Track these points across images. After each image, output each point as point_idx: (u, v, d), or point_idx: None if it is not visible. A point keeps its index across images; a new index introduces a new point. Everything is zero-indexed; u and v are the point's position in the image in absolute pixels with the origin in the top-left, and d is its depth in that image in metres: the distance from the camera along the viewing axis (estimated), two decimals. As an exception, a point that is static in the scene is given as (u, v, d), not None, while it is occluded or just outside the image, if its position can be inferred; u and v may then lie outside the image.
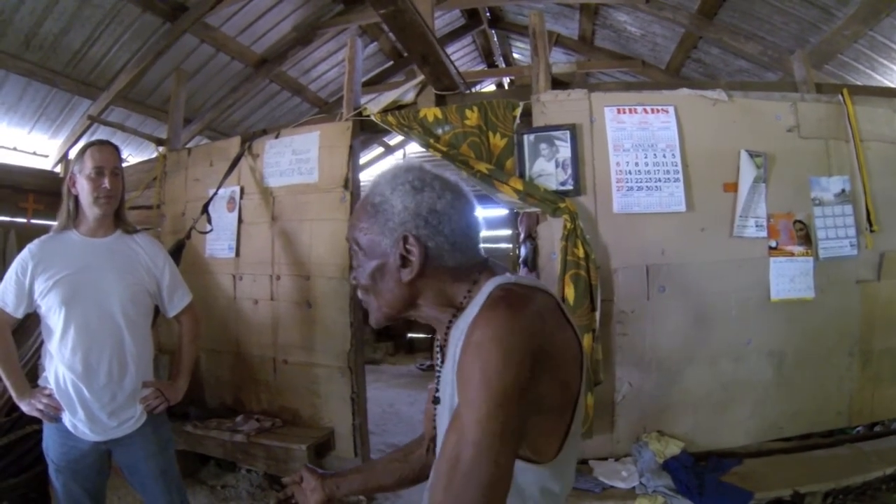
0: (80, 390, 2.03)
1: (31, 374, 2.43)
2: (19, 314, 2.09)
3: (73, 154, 5.09)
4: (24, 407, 2.08)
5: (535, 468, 0.93)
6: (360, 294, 1.09)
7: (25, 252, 2.08)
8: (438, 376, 1.11)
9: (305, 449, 3.32)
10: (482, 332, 0.87)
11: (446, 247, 1.00)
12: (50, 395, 2.06)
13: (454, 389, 0.95)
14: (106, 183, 2.09)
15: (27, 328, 2.91)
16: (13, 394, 2.10)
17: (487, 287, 0.98)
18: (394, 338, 8.81)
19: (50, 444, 2.10)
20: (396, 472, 1.32)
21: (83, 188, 2.09)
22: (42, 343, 2.21)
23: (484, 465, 0.81)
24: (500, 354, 0.84)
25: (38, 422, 2.19)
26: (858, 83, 4.36)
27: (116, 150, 2.19)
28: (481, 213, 1.07)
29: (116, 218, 2.21)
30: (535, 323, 0.91)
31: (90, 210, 2.11)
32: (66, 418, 2.05)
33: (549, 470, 0.94)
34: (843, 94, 3.29)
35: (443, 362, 1.09)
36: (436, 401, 1.10)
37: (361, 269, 1.05)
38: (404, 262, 0.99)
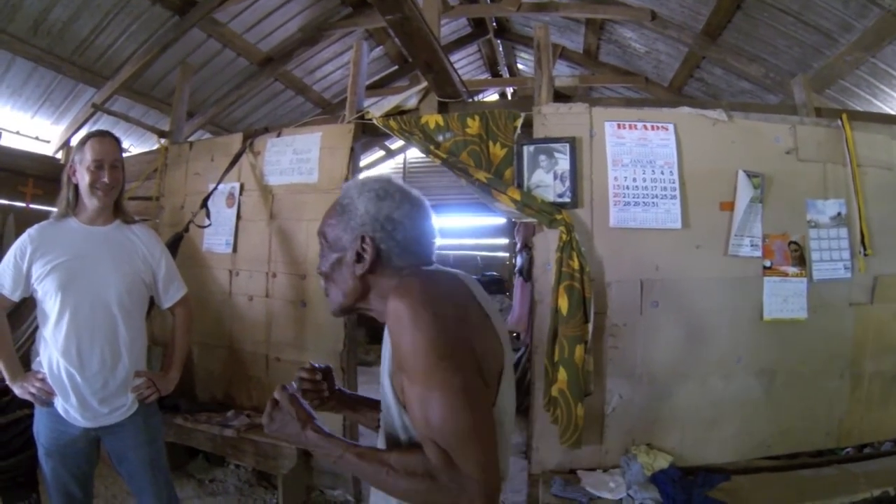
0: (72, 376, 2.05)
1: (24, 359, 2.43)
2: (16, 297, 2.11)
3: (74, 141, 5.12)
4: (17, 390, 2.09)
5: None
6: (321, 283, 1.25)
7: (25, 237, 2.10)
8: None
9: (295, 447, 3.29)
10: (392, 307, 1.01)
11: (396, 250, 1.15)
12: (43, 380, 2.07)
13: (390, 367, 1.11)
14: (105, 177, 2.11)
15: (21, 314, 2.91)
16: (6, 376, 2.12)
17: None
18: (386, 341, 8.77)
19: (41, 429, 2.12)
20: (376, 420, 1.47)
21: (83, 178, 2.11)
22: (36, 328, 2.22)
23: (453, 416, 0.96)
24: (413, 318, 0.98)
25: (29, 406, 2.21)
26: (859, 108, 4.39)
27: (117, 141, 2.21)
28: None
29: (116, 208, 2.24)
30: (438, 288, 1.06)
31: (89, 200, 2.14)
32: (58, 403, 2.07)
33: None
34: (842, 119, 3.31)
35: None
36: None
37: (325, 260, 1.21)
38: (359, 258, 1.15)
